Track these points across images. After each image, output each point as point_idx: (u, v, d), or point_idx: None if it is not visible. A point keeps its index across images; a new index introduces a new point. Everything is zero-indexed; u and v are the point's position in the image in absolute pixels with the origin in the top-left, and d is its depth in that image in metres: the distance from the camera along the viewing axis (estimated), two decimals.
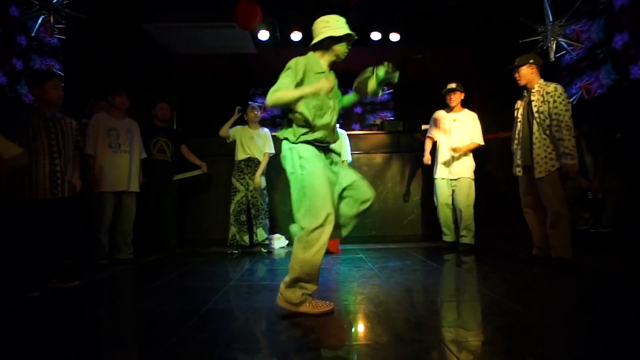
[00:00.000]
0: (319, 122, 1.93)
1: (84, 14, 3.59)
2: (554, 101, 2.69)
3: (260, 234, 3.78)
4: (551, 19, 3.79)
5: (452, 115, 3.72)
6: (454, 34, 5.07)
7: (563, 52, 3.98)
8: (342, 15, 2.01)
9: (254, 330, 1.67)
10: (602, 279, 2.51)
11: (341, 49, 2.01)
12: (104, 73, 4.49)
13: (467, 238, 3.62)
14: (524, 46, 3.79)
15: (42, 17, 3.45)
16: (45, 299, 2.24)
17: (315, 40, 2.01)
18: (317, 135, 1.93)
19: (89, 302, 2.31)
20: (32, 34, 3.59)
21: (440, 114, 3.81)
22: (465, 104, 3.81)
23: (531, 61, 2.85)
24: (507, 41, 4.18)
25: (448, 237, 3.77)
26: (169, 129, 4.03)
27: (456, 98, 3.68)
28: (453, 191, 3.69)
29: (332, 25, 1.96)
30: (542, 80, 2.85)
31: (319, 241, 1.79)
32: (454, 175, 3.65)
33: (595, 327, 1.62)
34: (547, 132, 2.73)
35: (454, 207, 3.72)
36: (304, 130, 1.92)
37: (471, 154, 3.68)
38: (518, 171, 2.97)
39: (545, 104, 2.74)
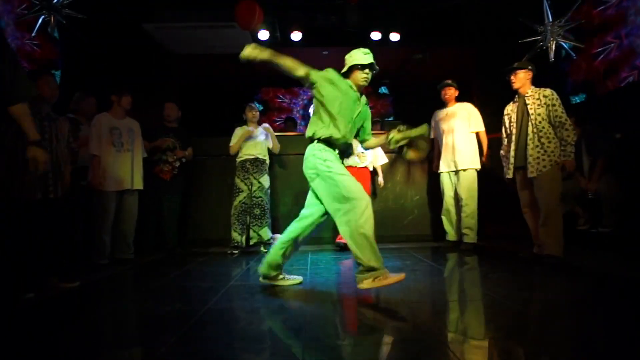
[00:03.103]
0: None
1: (84, 14, 3.59)
2: (553, 104, 2.82)
3: (265, 233, 3.78)
4: (550, 20, 3.79)
5: (446, 110, 3.78)
6: (454, 34, 5.07)
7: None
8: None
9: (254, 330, 1.67)
10: (602, 279, 2.51)
11: (358, 76, 2.26)
12: (103, 73, 4.48)
13: (470, 237, 3.60)
14: (524, 46, 3.80)
15: (42, 17, 3.45)
16: (45, 299, 2.24)
17: (342, 70, 2.31)
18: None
19: (89, 302, 2.31)
20: (33, 34, 3.59)
21: (437, 112, 3.86)
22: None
23: (530, 67, 2.97)
24: (507, 41, 4.18)
25: (450, 235, 3.76)
26: (178, 130, 3.95)
27: (450, 93, 3.73)
28: (457, 184, 3.67)
29: (353, 56, 2.28)
30: (533, 87, 2.95)
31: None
32: (458, 167, 3.63)
33: (595, 327, 1.62)
34: (542, 132, 2.83)
35: (457, 204, 3.70)
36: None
37: (476, 145, 3.68)
38: (509, 173, 3.06)
39: (542, 107, 2.85)
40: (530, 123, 2.87)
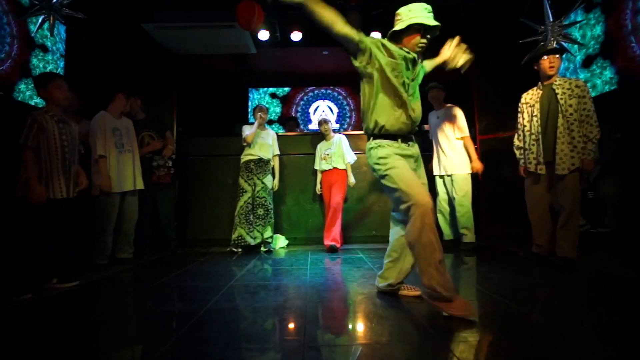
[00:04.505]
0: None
1: (84, 14, 3.58)
2: (583, 96, 2.69)
3: (268, 232, 3.83)
4: (551, 19, 3.79)
5: (436, 113, 3.82)
6: (454, 34, 5.06)
7: None
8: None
9: (254, 330, 1.67)
10: (602, 279, 2.51)
11: (415, 40, 1.85)
12: (103, 73, 4.48)
13: (468, 237, 3.61)
14: (524, 46, 3.79)
15: (42, 17, 3.45)
16: (45, 299, 2.24)
17: (395, 28, 1.89)
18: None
19: (89, 302, 2.31)
20: (32, 34, 3.58)
21: (429, 114, 3.88)
22: (465, 104, 3.82)
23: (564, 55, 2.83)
24: (507, 41, 4.18)
25: (446, 235, 3.77)
26: (148, 121, 3.84)
27: (435, 96, 3.77)
28: (449, 185, 3.70)
29: (414, 12, 1.83)
30: (559, 76, 2.85)
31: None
32: (449, 171, 3.68)
33: (595, 327, 1.62)
34: (573, 126, 2.67)
35: (451, 205, 3.72)
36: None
37: (464, 149, 3.69)
38: (540, 168, 2.82)
39: (574, 97, 2.69)
40: (560, 115, 2.70)
